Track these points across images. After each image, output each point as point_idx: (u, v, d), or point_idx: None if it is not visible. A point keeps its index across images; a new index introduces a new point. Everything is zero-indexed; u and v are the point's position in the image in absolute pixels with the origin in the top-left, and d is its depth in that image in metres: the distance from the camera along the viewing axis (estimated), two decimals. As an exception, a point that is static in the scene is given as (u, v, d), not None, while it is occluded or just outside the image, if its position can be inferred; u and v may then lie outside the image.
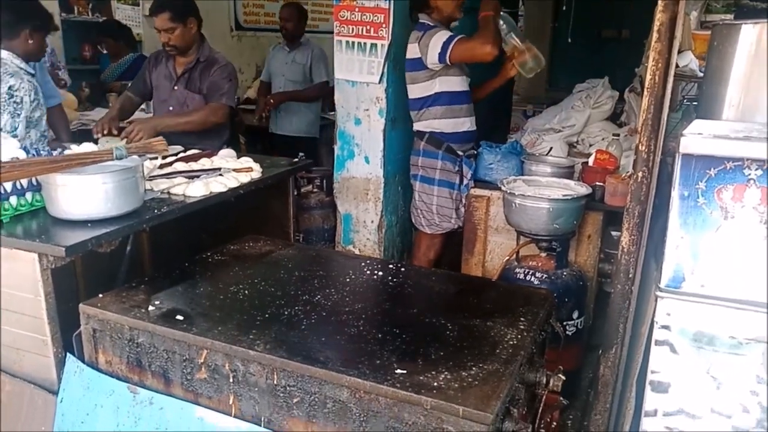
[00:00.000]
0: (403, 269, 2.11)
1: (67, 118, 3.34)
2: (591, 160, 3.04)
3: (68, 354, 1.80)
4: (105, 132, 2.98)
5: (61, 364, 1.82)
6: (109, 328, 1.71)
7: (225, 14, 6.73)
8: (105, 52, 5.23)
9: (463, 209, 3.11)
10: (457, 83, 3.02)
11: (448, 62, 2.90)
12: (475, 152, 3.17)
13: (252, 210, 2.70)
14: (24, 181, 1.94)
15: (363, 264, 2.14)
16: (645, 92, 1.88)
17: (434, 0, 3.00)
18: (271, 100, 4.69)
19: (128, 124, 3.00)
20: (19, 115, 2.68)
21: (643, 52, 4.23)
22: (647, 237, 2.04)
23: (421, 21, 3.03)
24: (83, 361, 1.77)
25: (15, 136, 2.63)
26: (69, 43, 5.32)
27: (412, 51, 2.98)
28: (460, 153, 3.07)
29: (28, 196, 1.98)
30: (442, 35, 2.88)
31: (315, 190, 4.03)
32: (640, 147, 1.90)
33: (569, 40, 4.14)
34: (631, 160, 3.20)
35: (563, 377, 1.81)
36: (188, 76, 3.23)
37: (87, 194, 1.86)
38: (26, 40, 2.79)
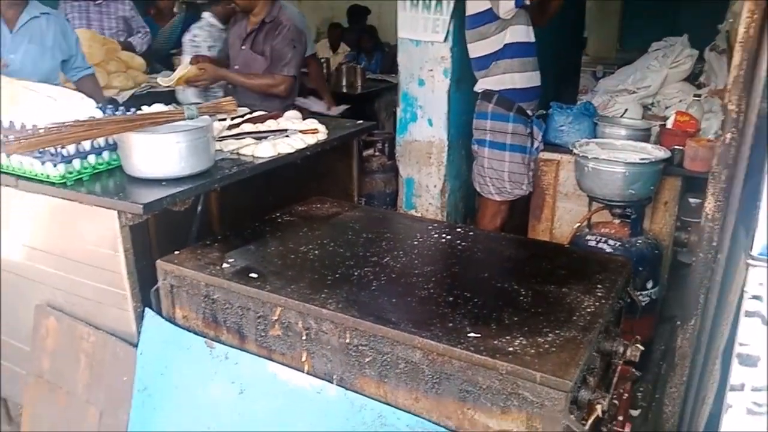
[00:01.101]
0: (471, 233, 2.07)
1: (98, 86, 3.33)
2: (670, 123, 2.89)
3: (147, 309, 1.86)
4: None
5: (139, 318, 1.88)
6: (186, 284, 1.76)
7: (286, -25, 6.67)
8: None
9: (532, 173, 3.01)
10: (525, 33, 2.88)
11: (527, 2, 2.75)
12: (545, 113, 3.04)
13: (316, 172, 2.70)
14: (101, 140, 1.99)
15: (430, 227, 2.11)
16: (737, 47, 1.74)
17: None
18: None
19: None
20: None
21: (726, 7, 3.96)
22: (736, 203, 1.92)
23: None
24: (161, 316, 1.83)
25: None
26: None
27: (479, 4, 2.84)
28: (530, 113, 2.95)
29: (105, 155, 2.03)
30: None
31: (376, 153, 4.01)
32: (729, 107, 1.77)
33: (647, -4, 3.92)
34: (713, 123, 3.04)
35: (641, 347, 1.75)
36: (254, 37, 3.21)
37: (161, 153, 1.89)
38: (224, 4, 3.78)
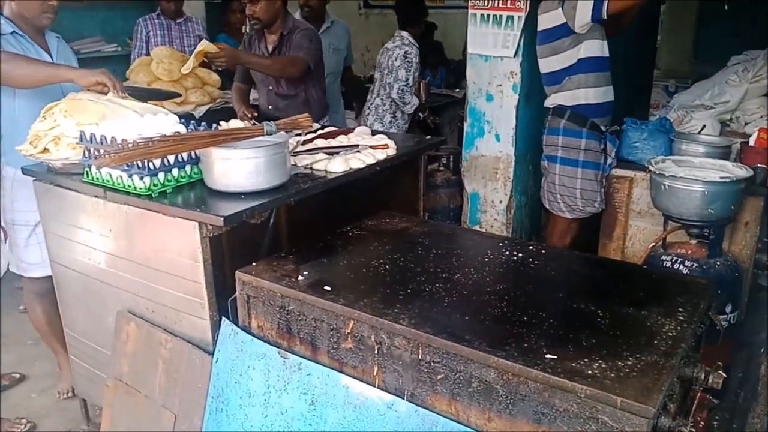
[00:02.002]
0: (543, 250, 2.04)
1: None
2: (752, 140, 2.77)
3: (223, 318, 1.91)
4: (250, 117, 3.11)
5: (215, 327, 1.94)
6: (263, 295, 1.80)
7: (355, -8, 6.85)
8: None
9: (604, 190, 2.94)
10: (599, 48, 2.84)
11: (605, 16, 2.70)
12: (619, 128, 2.97)
13: (382, 187, 2.73)
14: (184, 155, 2.07)
15: (501, 244, 2.09)
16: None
17: None
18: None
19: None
20: (410, 70, 4.08)
21: (813, 18, 3.78)
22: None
23: None
24: (237, 325, 1.88)
25: (406, 84, 4.07)
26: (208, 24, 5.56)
27: (553, 18, 2.82)
28: (603, 129, 2.89)
29: (188, 168, 2.11)
30: None
31: (441, 168, 4.01)
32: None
33: (725, 7, 3.77)
34: (800, 140, 2.89)
35: (724, 374, 1.67)
36: (279, 52, 3.24)
37: (242, 167, 1.95)
38: (420, 25, 4.27)
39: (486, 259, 1.96)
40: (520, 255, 1.98)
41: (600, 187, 2.92)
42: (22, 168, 2.34)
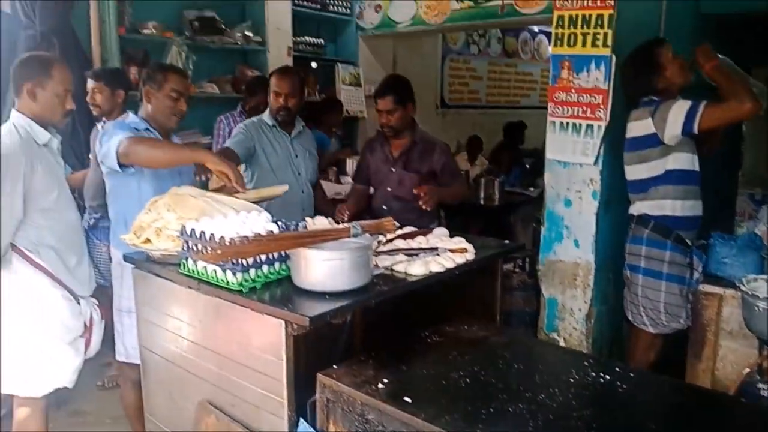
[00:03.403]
0: (632, 374, 1.95)
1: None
2: None
3: (301, 419, 1.92)
4: (346, 218, 3.15)
5: (293, 427, 1.94)
6: (342, 400, 1.80)
7: (433, 93, 7.18)
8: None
9: (690, 306, 2.82)
10: (689, 161, 2.81)
11: (696, 131, 2.68)
12: (706, 243, 2.88)
13: (458, 289, 2.72)
14: (274, 252, 2.16)
15: (586, 363, 2.02)
16: None
17: (664, 69, 2.84)
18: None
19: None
20: None
21: None
22: None
23: (644, 100, 2.89)
24: (315, 429, 1.88)
25: None
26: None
27: (642, 127, 2.83)
28: (689, 242, 2.82)
29: (276, 265, 2.19)
30: (683, 104, 2.70)
31: (517, 270, 3.99)
32: None
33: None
34: None
35: None
36: (406, 158, 3.40)
37: (329, 268, 2.01)
38: None
39: (571, 380, 1.89)
40: (607, 377, 1.90)
41: (686, 303, 2.81)
42: (124, 255, 2.50)
